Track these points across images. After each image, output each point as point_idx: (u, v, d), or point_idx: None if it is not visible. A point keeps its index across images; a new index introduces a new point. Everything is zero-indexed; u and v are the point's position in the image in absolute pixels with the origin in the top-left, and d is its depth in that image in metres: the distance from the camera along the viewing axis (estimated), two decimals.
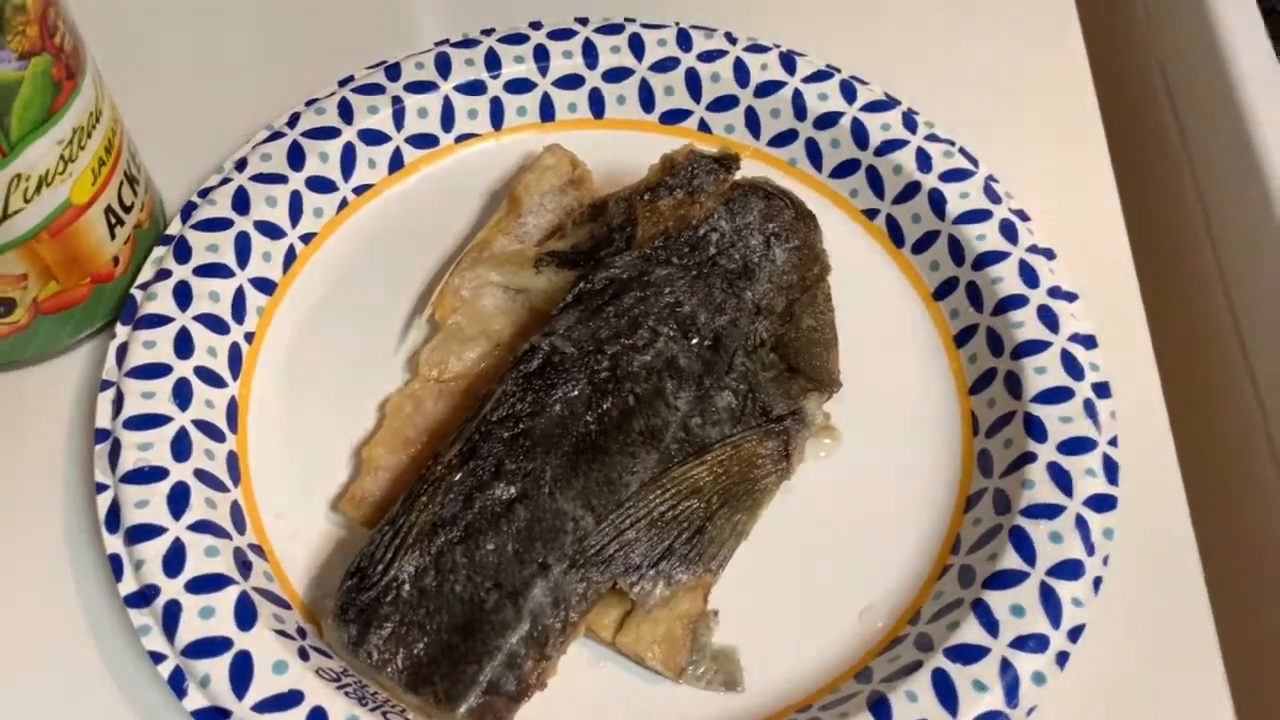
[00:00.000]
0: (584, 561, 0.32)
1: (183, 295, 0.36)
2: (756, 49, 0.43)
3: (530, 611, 0.31)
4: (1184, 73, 0.50)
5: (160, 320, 0.36)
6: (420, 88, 0.42)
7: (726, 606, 0.33)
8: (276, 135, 0.40)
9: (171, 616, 0.30)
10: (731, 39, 0.43)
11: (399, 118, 0.41)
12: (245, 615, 0.31)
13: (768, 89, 0.42)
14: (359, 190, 0.41)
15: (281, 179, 0.39)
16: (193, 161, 0.41)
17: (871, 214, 0.41)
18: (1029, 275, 0.38)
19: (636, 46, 0.43)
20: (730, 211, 0.38)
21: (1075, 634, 0.31)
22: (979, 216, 0.39)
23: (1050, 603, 0.31)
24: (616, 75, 0.43)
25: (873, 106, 0.42)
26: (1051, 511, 0.33)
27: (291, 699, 0.29)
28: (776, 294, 0.37)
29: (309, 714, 0.29)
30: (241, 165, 0.39)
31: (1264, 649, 0.39)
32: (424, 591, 0.31)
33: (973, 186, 0.40)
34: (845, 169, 0.42)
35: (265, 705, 0.29)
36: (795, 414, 0.35)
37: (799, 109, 0.42)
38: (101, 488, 0.33)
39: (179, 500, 0.32)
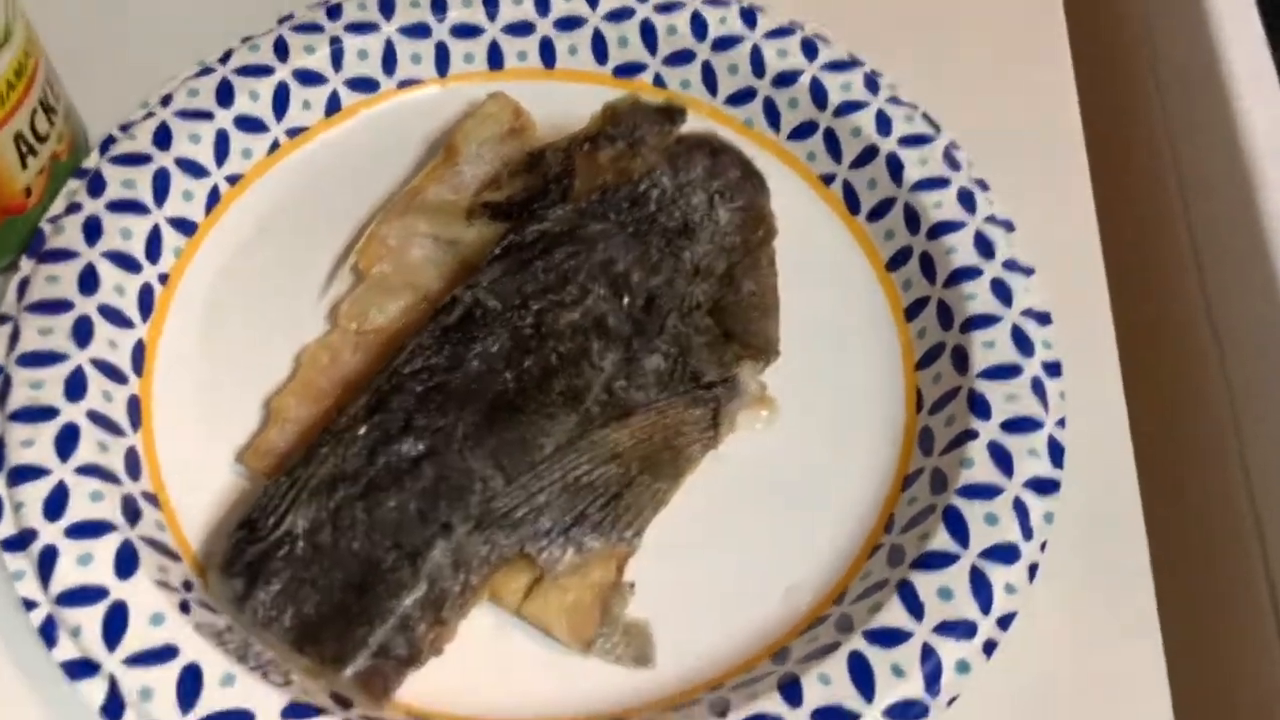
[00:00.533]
0: (490, 523, 0.30)
1: (92, 230, 0.34)
2: (716, 2, 0.41)
3: (428, 573, 0.29)
4: (1174, 68, 0.48)
5: (66, 255, 0.34)
6: (361, 28, 0.40)
7: (644, 579, 0.32)
8: (206, 71, 0.38)
9: (47, 562, 0.29)
10: None
11: (337, 58, 0.40)
12: (126, 564, 0.29)
13: (726, 43, 0.40)
14: (292, 133, 0.39)
15: (208, 115, 0.37)
16: (124, 97, 0.40)
17: (828, 179, 0.39)
18: (985, 246, 0.36)
19: None
20: (673, 167, 0.36)
21: (1005, 622, 0.30)
22: (937, 184, 0.37)
23: (981, 587, 0.30)
24: (569, 24, 0.41)
25: (834, 66, 0.40)
26: (989, 492, 0.31)
27: (166, 654, 0.28)
28: (717, 255, 0.35)
29: (183, 670, 0.27)
30: (167, 100, 0.38)
31: (1204, 653, 0.37)
32: (318, 548, 0.29)
33: (932, 153, 0.38)
34: (803, 130, 0.40)
35: (138, 659, 0.27)
36: (727, 382, 0.34)
37: (757, 65, 0.40)
38: None
39: (67, 441, 0.31)
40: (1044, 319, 0.35)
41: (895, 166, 0.38)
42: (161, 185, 0.36)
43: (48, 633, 0.28)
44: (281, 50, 0.39)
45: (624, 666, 0.31)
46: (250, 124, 0.38)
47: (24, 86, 0.34)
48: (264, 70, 0.38)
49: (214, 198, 0.37)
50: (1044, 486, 0.32)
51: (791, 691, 0.28)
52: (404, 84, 0.41)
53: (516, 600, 0.31)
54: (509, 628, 0.31)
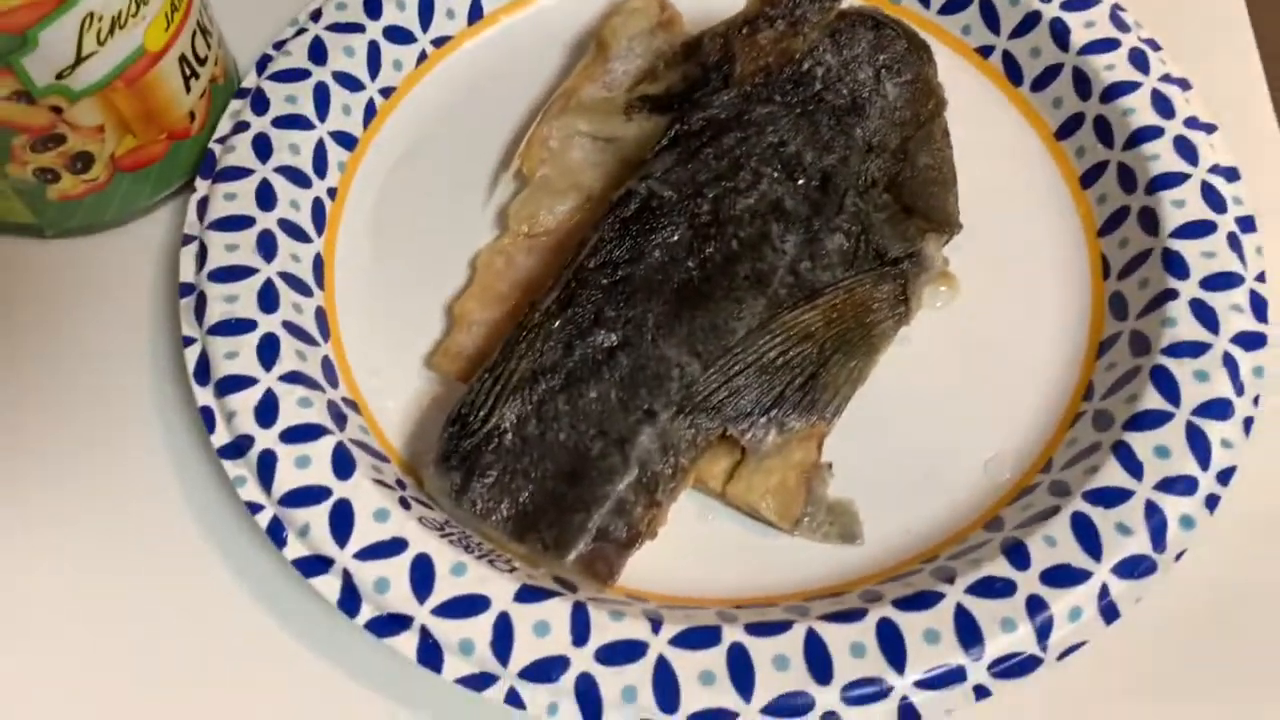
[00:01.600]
0: (692, 408, 0.30)
1: (262, 147, 0.35)
2: None
3: (638, 458, 0.29)
4: None
5: (241, 173, 0.34)
6: None
7: (841, 459, 0.32)
8: None
9: (267, 466, 0.29)
10: None
11: None
12: (343, 465, 0.29)
13: None
14: (438, 42, 0.39)
15: (359, 28, 0.37)
16: (265, 19, 0.39)
17: (986, 51, 0.38)
18: (1163, 105, 0.35)
19: None
20: (836, 44, 0.35)
21: (1225, 477, 0.29)
22: (1106, 46, 0.36)
23: (1198, 444, 0.29)
24: None
25: None
26: (1196, 349, 0.30)
27: (395, 546, 0.28)
28: (889, 130, 0.34)
29: (413, 561, 0.28)
30: (316, 15, 0.38)
31: None
32: (527, 440, 0.30)
33: (1099, 15, 0.37)
34: (956, 3, 0.39)
35: (368, 553, 0.28)
36: (912, 256, 0.33)
37: None
38: (188, 340, 0.32)
39: (269, 351, 0.31)
40: (1232, 174, 0.34)
41: (1060, 31, 0.37)
42: (321, 100, 0.36)
43: (276, 533, 0.29)
44: None
45: (832, 544, 0.31)
46: (399, 34, 0.38)
47: (185, 8, 0.34)
48: None
49: (371, 111, 0.37)
50: (1251, 341, 0.31)
51: (1017, 555, 0.28)
52: None
53: (720, 484, 0.31)
54: (714, 511, 0.31)
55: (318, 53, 0.37)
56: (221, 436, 0.30)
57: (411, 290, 0.35)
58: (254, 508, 0.29)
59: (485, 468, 0.29)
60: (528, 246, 0.35)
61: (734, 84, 0.35)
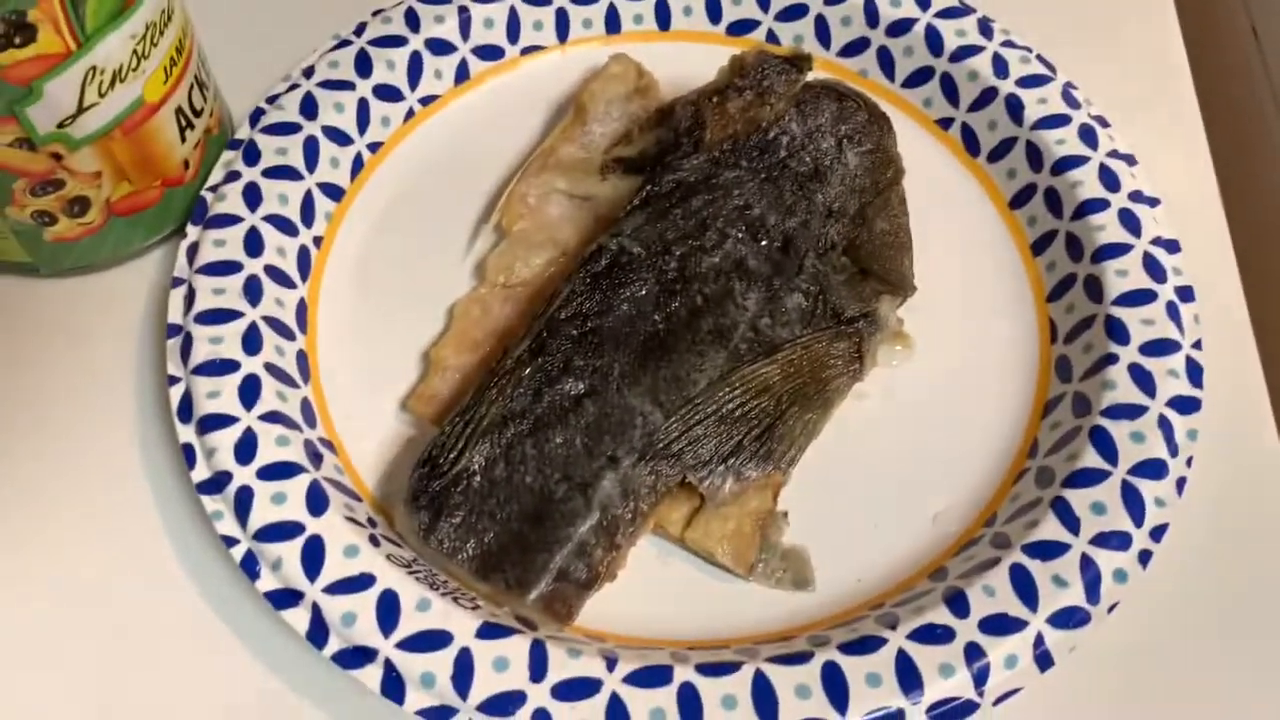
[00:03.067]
0: (653, 454, 0.32)
1: (252, 196, 0.36)
2: None
3: (600, 502, 0.31)
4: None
5: (230, 220, 0.36)
6: None
7: (796, 508, 0.33)
8: (344, 43, 0.40)
9: (244, 502, 0.30)
10: None
11: (465, 27, 0.41)
12: (317, 502, 0.31)
13: None
14: (425, 100, 0.41)
15: (349, 86, 0.39)
16: (261, 75, 0.41)
17: (945, 123, 0.40)
18: (1110, 179, 0.37)
19: None
20: (801, 114, 0.37)
21: (1158, 533, 0.30)
22: (1058, 121, 0.38)
23: (1132, 501, 0.31)
24: None
25: (947, 13, 0.41)
26: (1133, 411, 0.32)
27: (364, 581, 0.29)
28: (849, 197, 0.36)
29: (380, 596, 0.29)
30: (309, 72, 0.39)
31: None
32: (494, 482, 0.31)
33: (1051, 92, 0.39)
34: (919, 77, 0.41)
35: (337, 587, 0.29)
36: (867, 316, 0.35)
37: (871, 16, 0.41)
38: (173, 380, 0.33)
39: (250, 391, 0.32)
40: (1173, 246, 0.36)
41: (1015, 107, 0.39)
42: (311, 152, 0.38)
43: (249, 567, 0.30)
44: (413, 21, 0.41)
45: (784, 590, 0.32)
46: (388, 93, 0.40)
47: (184, 62, 0.36)
48: (398, 41, 0.40)
49: (358, 164, 0.39)
50: (1186, 405, 0.32)
51: (958, 603, 0.29)
52: (527, 50, 0.42)
53: (679, 529, 0.32)
54: (672, 555, 0.33)
55: (309, 108, 0.38)
56: (201, 472, 0.31)
57: (391, 335, 0.36)
58: (229, 541, 0.30)
59: (453, 508, 0.30)
60: (504, 296, 0.37)
61: (703, 149, 0.36)
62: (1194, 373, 0.33)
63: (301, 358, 0.35)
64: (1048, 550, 0.30)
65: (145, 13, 0.33)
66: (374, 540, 0.30)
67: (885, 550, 0.33)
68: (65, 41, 0.31)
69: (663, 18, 0.43)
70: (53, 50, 0.31)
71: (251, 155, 0.37)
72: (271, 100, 0.39)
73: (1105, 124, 0.38)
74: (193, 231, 0.36)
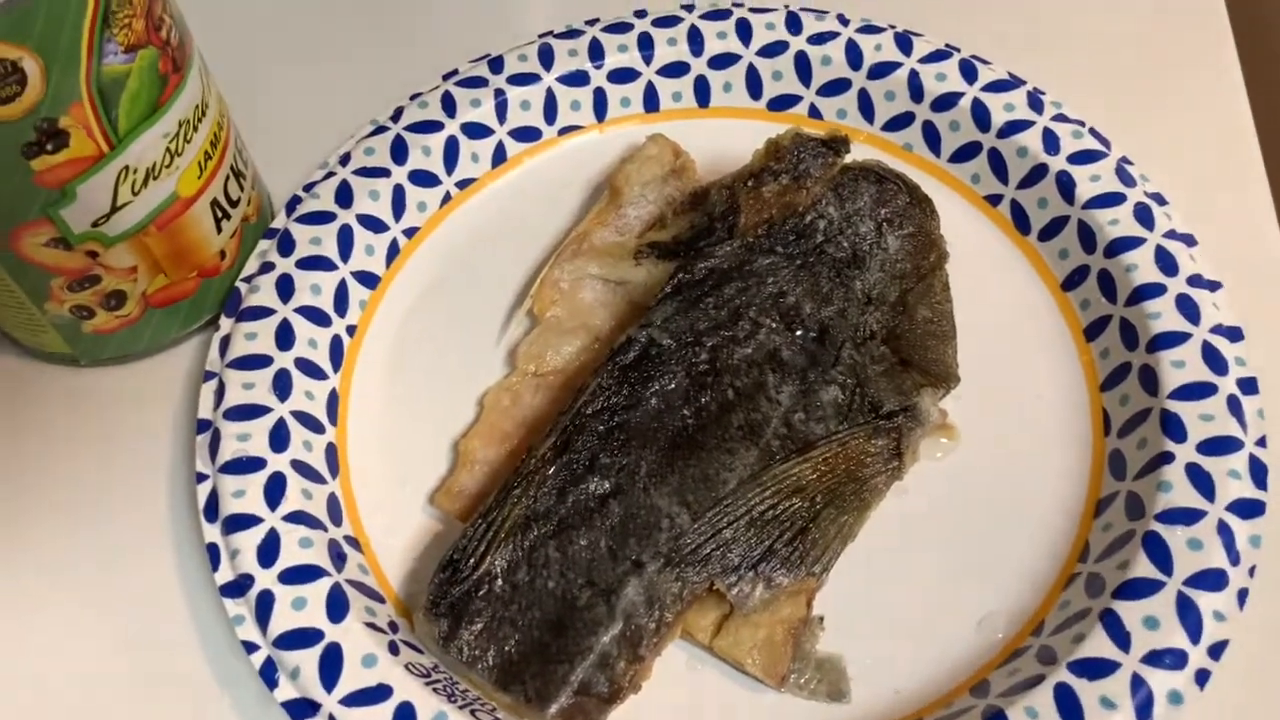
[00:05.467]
0: (679, 560, 0.31)
1: (285, 287, 0.36)
2: (870, 29, 0.41)
3: (623, 610, 0.30)
4: None
5: (262, 312, 0.36)
6: (523, 80, 0.41)
7: (832, 613, 0.32)
8: (380, 130, 0.40)
9: (265, 607, 0.30)
10: (844, 21, 0.41)
11: (501, 111, 0.41)
12: (337, 607, 0.30)
13: (882, 70, 0.40)
14: (462, 184, 0.41)
15: (384, 173, 0.39)
16: (301, 158, 0.42)
17: (994, 200, 0.39)
18: (1166, 262, 0.35)
19: (744, 31, 0.41)
20: (839, 197, 0.36)
21: (1217, 651, 0.29)
22: (1111, 200, 0.36)
23: (1188, 615, 0.29)
24: (723, 61, 0.42)
25: (995, 86, 0.39)
26: (1190, 516, 0.30)
27: (380, 693, 0.29)
28: (889, 283, 0.35)
29: (396, 709, 0.28)
30: (345, 160, 0.40)
31: None
32: (516, 587, 0.30)
33: (1104, 169, 0.37)
34: (965, 153, 0.39)
35: (353, 699, 0.29)
36: (908, 410, 0.33)
37: (915, 90, 0.40)
38: (201, 477, 0.33)
39: (275, 491, 0.32)
40: (1235, 334, 0.34)
41: (1066, 184, 0.37)
42: (345, 241, 0.38)
43: (268, 675, 0.29)
44: (449, 106, 0.40)
45: (819, 701, 0.31)
46: (424, 178, 0.40)
47: (219, 155, 0.36)
48: (434, 126, 0.40)
49: (394, 250, 0.39)
50: (1249, 509, 0.30)
51: None
52: (565, 130, 0.42)
53: (708, 636, 0.31)
54: (701, 663, 0.32)
55: (344, 196, 0.38)
56: (225, 574, 0.31)
57: (421, 426, 0.36)
58: (250, 647, 0.30)
59: (474, 615, 0.30)
60: (534, 385, 0.36)
61: (738, 234, 0.36)
62: (1258, 473, 0.31)
63: (330, 451, 0.35)
64: (1096, 668, 0.28)
65: (178, 111, 0.33)
66: (393, 647, 0.30)
67: (926, 658, 0.31)
68: (98, 144, 0.31)
69: (702, 95, 0.42)
70: (85, 153, 0.31)
71: (286, 245, 0.37)
72: (308, 188, 0.39)
73: (1162, 201, 0.36)
74: (226, 324, 0.36)
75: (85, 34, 0.29)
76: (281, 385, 0.34)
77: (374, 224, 0.39)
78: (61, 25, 0.29)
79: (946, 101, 0.39)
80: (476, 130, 0.41)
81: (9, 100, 0.29)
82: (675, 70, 0.42)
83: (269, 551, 0.31)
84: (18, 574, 0.34)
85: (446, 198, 0.40)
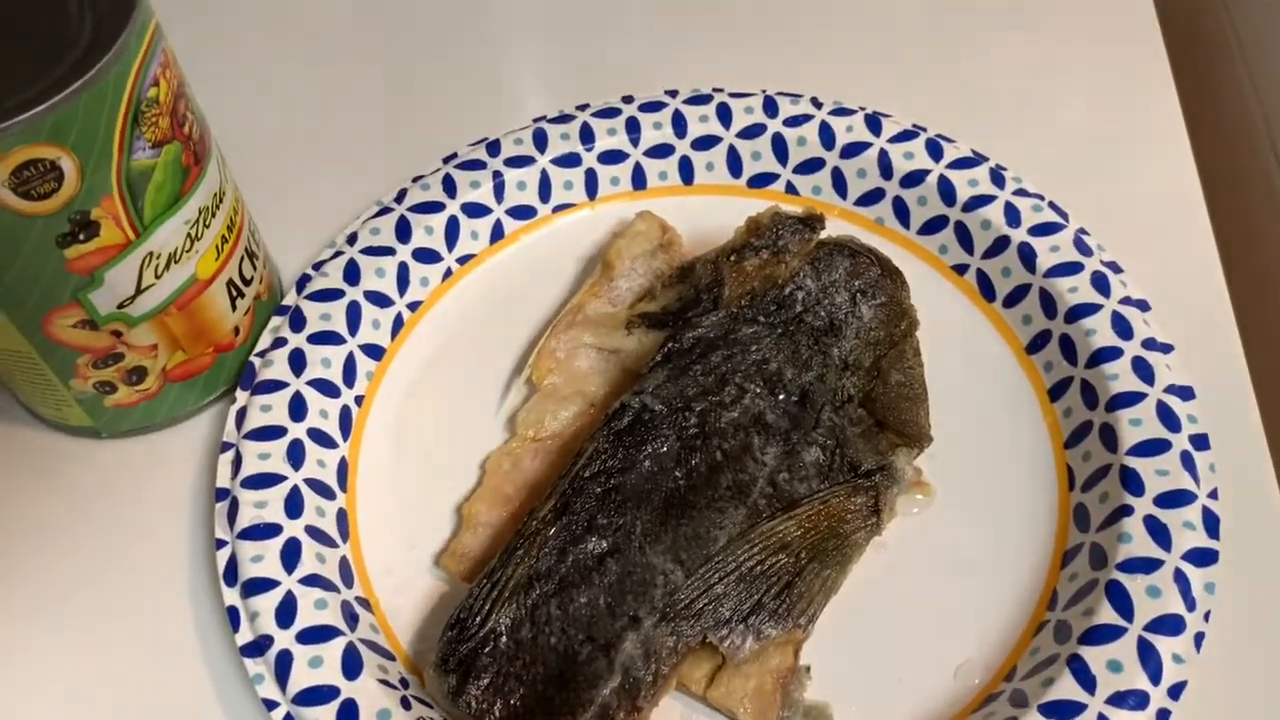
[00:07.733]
0: (674, 614, 0.33)
1: (297, 361, 0.38)
2: (842, 112, 0.44)
3: (622, 664, 0.32)
4: None
5: (276, 385, 0.38)
6: (519, 162, 0.44)
7: (818, 662, 0.34)
8: (385, 210, 0.43)
9: (283, 666, 0.32)
10: (817, 103, 0.44)
11: (499, 191, 0.44)
12: (351, 665, 0.32)
13: (853, 150, 0.43)
14: (462, 260, 0.43)
15: (389, 251, 0.42)
16: (309, 237, 0.44)
17: (961, 269, 0.42)
18: (1122, 327, 0.37)
19: (724, 115, 0.44)
20: (816, 270, 0.38)
21: (1176, 691, 0.31)
22: (1070, 269, 0.39)
23: (1149, 659, 0.31)
24: (705, 143, 0.44)
25: (960, 163, 0.42)
26: (1149, 565, 0.32)
27: None
28: (864, 350, 0.38)
29: None
30: (352, 239, 0.42)
31: None
32: (520, 643, 0.32)
33: (1063, 240, 0.40)
34: (933, 225, 0.42)
35: None
36: (884, 469, 0.36)
37: (885, 168, 0.43)
38: (221, 543, 0.35)
39: (291, 555, 0.34)
40: (1186, 393, 0.36)
41: (1027, 255, 0.40)
42: (354, 317, 0.40)
43: None
44: (450, 187, 0.43)
45: None
46: (426, 255, 0.42)
47: (234, 238, 0.38)
48: (436, 207, 0.43)
49: (398, 324, 0.41)
50: (1203, 557, 0.33)
51: None
52: (559, 208, 0.45)
53: (701, 687, 0.33)
54: (696, 713, 0.33)
55: (352, 274, 0.41)
56: (245, 635, 0.33)
57: (427, 490, 0.38)
58: (270, 704, 0.32)
59: (480, 670, 0.32)
60: (534, 450, 0.38)
61: (723, 305, 0.38)
62: (1210, 524, 0.33)
63: (341, 516, 0.37)
64: (1064, 710, 0.30)
65: (198, 199, 0.36)
66: (405, 702, 0.32)
67: (908, 704, 0.33)
68: (125, 233, 0.34)
69: (686, 174, 0.45)
70: (114, 241, 0.34)
71: (297, 322, 0.40)
72: (317, 267, 0.41)
73: (1118, 270, 0.39)
74: (241, 397, 0.38)
75: (118, 133, 0.32)
76: (295, 455, 0.36)
77: (380, 299, 0.41)
78: (97, 126, 0.31)
79: (914, 178, 0.42)
80: (476, 210, 0.43)
81: (47, 195, 0.31)
82: (661, 151, 0.45)
83: (287, 613, 0.33)
84: (45, 635, 0.36)
85: (448, 273, 0.43)
